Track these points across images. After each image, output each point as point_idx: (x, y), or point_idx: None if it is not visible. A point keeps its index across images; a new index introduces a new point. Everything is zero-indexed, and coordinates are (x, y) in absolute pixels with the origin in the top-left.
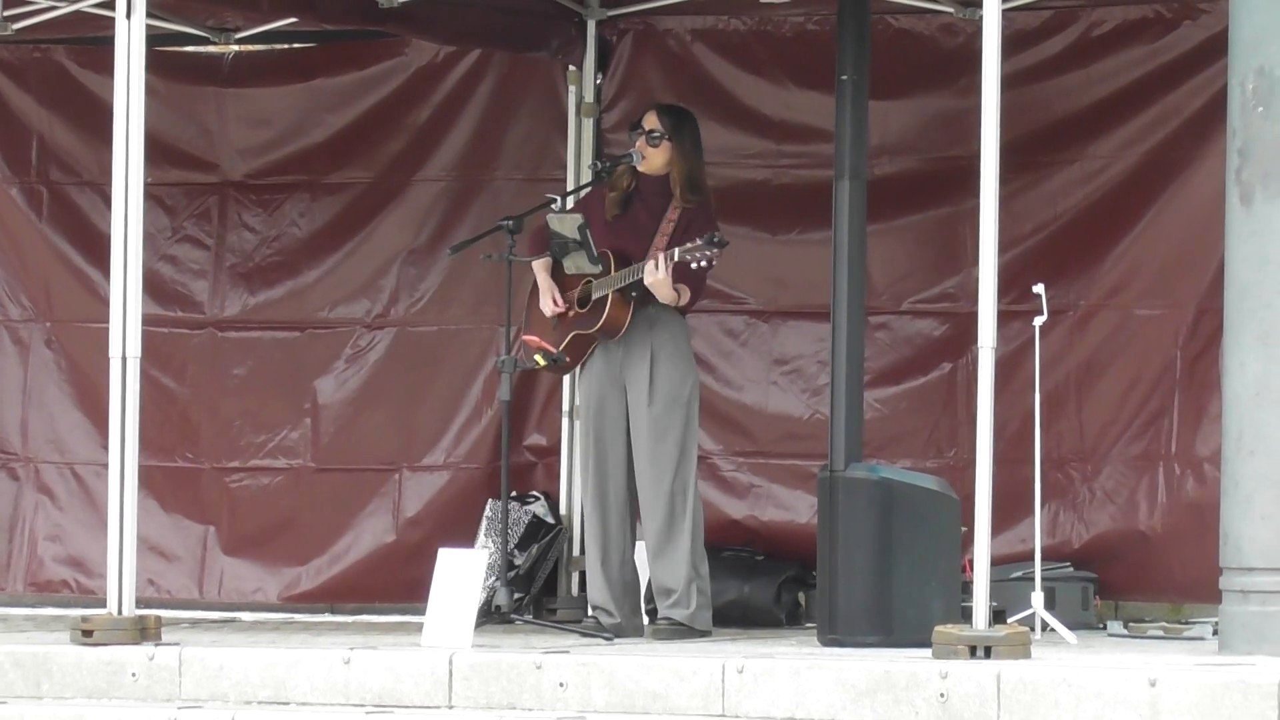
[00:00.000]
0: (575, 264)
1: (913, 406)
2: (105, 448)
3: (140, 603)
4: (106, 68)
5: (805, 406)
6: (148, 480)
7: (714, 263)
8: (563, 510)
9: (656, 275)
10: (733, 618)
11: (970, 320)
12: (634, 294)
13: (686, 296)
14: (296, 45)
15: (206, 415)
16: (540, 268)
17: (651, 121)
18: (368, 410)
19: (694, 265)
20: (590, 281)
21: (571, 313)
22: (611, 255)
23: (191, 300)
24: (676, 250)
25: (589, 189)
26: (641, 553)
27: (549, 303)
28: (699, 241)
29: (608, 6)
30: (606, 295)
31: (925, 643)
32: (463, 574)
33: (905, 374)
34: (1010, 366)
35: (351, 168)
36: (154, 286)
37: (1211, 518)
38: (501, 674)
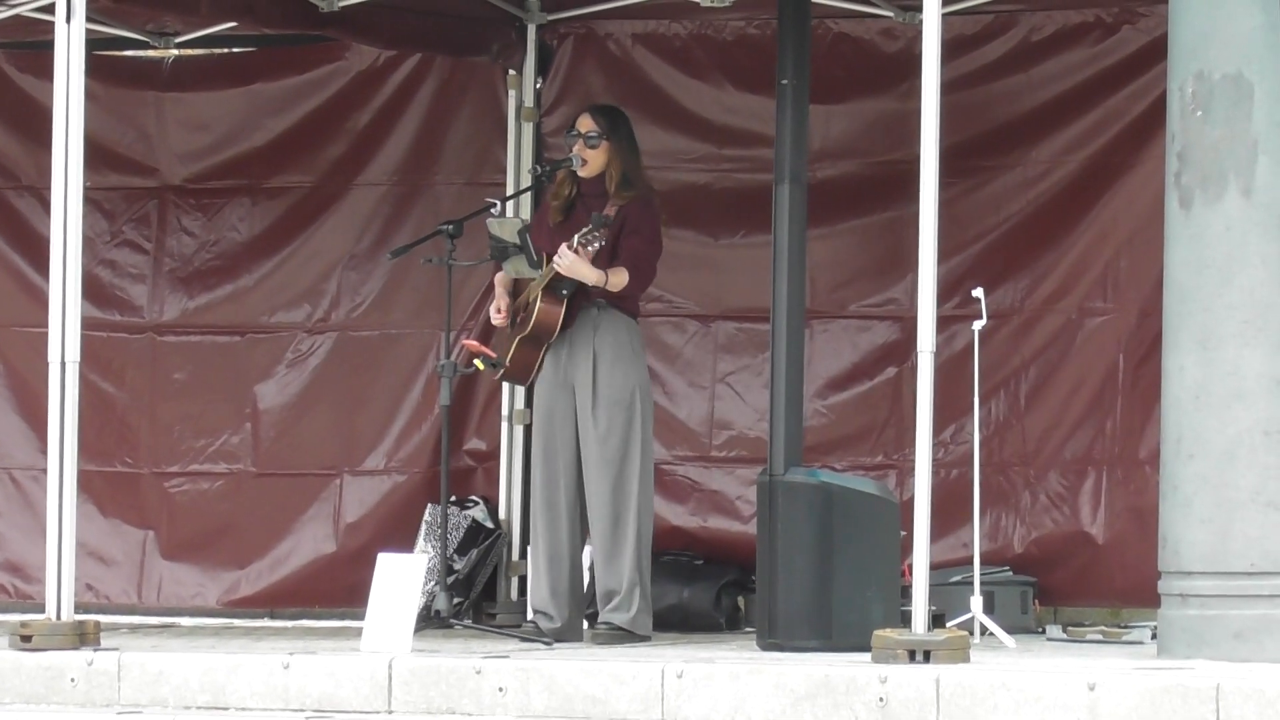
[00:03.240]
0: (515, 268)
1: (859, 411)
2: (44, 453)
3: (79, 608)
4: (45, 72)
5: (747, 411)
6: (87, 485)
7: (603, 242)
8: (502, 515)
9: (563, 261)
10: (672, 622)
11: (915, 324)
12: (564, 291)
13: (624, 278)
14: (236, 50)
15: (146, 420)
16: (501, 281)
17: (587, 124)
18: (309, 415)
19: (589, 248)
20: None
21: (519, 318)
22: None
23: (131, 304)
24: (575, 237)
25: (529, 193)
26: (586, 556)
27: (493, 313)
28: (588, 226)
29: (548, 10)
30: (536, 296)
31: (865, 647)
32: (402, 579)
33: (851, 378)
34: (955, 370)
35: (291, 172)
36: (93, 291)
37: (1152, 522)
38: (441, 679)
